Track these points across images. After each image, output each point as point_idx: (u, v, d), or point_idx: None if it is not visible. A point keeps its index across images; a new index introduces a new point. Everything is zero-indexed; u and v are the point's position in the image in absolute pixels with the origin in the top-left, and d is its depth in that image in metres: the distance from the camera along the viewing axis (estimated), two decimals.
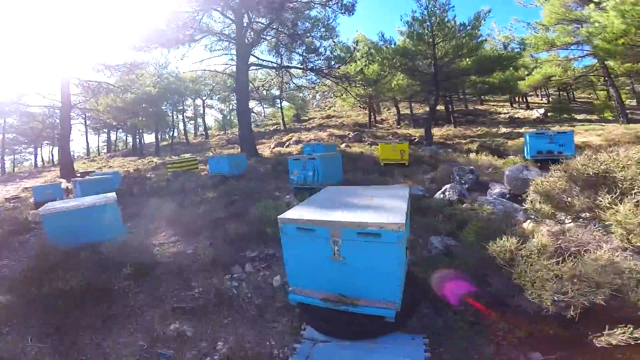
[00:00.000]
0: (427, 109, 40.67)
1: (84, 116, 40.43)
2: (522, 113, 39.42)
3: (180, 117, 41.43)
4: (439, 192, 7.14)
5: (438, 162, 11.77)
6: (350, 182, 8.25)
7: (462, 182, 7.51)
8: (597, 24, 14.29)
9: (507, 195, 6.76)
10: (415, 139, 24.46)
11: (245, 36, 18.32)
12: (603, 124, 27.05)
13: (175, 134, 44.87)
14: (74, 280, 3.29)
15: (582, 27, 22.85)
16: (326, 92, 53.45)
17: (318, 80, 22.07)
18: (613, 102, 33.47)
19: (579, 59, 26.31)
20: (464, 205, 6.16)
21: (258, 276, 4.13)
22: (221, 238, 5.27)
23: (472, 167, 7.85)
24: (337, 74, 19.67)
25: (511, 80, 19.17)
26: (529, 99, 44.23)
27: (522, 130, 26.47)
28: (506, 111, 40.40)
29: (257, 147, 18.83)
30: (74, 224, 4.50)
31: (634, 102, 38.60)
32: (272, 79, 25.62)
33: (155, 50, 18.65)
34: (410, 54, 17.13)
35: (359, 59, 18.44)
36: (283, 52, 20.89)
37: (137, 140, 38.15)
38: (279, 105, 37.43)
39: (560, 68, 30.10)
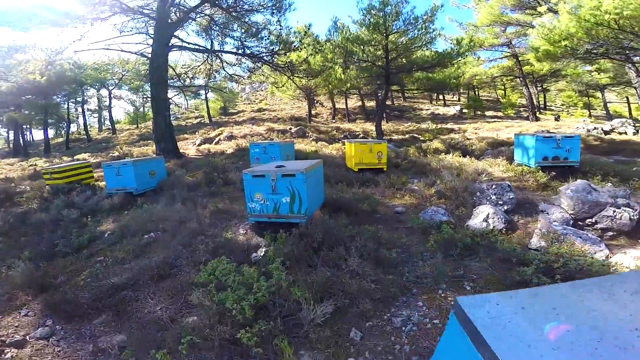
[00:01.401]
0: (360, 103, 40.00)
1: None
2: (441, 110, 41.04)
3: (80, 109, 33.47)
4: (476, 218, 4.89)
5: (415, 166, 9.71)
6: (343, 209, 5.51)
7: (500, 202, 5.34)
8: (543, 27, 13.78)
9: (571, 222, 4.75)
10: (359, 134, 22.69)
11: (168, 14, 14.11)
12: (518, 121, 28.81)
13: (75, 129, 36.43)
14: None
15: (505, 30, 23.46)
16: (256, 85, 49.18)
17: (255, 69, 18.54)
18: (523, 101, 36.28)
19: (499, 59, 27.17)
20: (536, 243, 3.98)
21: None
22: None
23: (508, 183, 5.76)
24: (279, 62, 16.73)
25: (452, 77, 18.22)
26: (446, 96, 46.37)
27: (448, 125, 26.93)
28: (427, 108, 41.64)
29: (178, 143, 14.78)
30: None
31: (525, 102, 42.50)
32: (199, 66, 21.17)
33: (46, 30, 13.58)
34: (364, 43, 15.09)
35: (305, 47, 15.64)
36: (215, 35, 17.03)
37: (21, 137, 29.60)
38: (204, 97, 32.38)
39: (481, 68, 31.24)
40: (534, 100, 30.53)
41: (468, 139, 14.82)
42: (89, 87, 32.34)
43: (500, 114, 35.54)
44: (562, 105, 43.12)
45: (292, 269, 3.58)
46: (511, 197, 5.64)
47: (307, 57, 16.93)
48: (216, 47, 17.37)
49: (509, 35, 23.48)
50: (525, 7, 19.35)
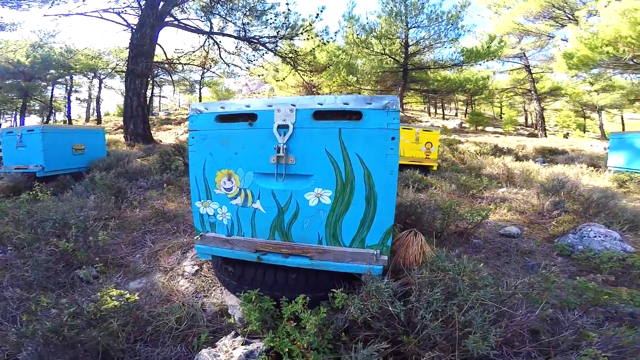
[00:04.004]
0: None
1: None
2: (440, 122, 38.65)
3: (65, 95, 29.83)
4: None
5: (469, 168, 6.74)
6: (415, 225, 2.50)
7: None
8: (586, 31, 11.29)
9: None
10: None
11: None
12: (522, 137, 26.43)
13: (61, 117, 32.66)
14: None
15: (521, 41, 21.06)
16: (254, 86, 46.06)
17: (256, 58, 15.49)
18: (520, 119, 34.10)
19: (511, 71, 24.88)
20: None
21: None
22: None
23: None
24: (284, 51, 13.88)
25: (474, 80, 15.53)
26: (445, 110, 44.20)
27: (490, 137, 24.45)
28: (427, 119, 39.24)
29: (160, 133, 11.63)
30: None
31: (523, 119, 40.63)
32: (194, 52, 18.00)
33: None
34: (381, 35, 12.48)
35: (312, 37, 12.84)
36: (216, 15, 14.00)
37: None
38: (198, 92, 29.07)
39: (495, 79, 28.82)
40: (534, 119, 28.37)
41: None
42: (77, 74, 28.78)
43: (500, 130, 33.35)
44: (556, 125, 41.29)
45: None
46: None
47: (313, 49, 14.17)
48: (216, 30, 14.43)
49: (524, 47, 21.05)
50: (550, 17, 16.88)
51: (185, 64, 18.89)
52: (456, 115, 45.57)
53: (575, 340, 1.11)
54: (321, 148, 1.34)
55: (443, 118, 41.30)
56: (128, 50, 11.74)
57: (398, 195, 3.51)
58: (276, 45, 14.07)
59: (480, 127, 33.72)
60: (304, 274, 1.51)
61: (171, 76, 21.96)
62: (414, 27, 12.98)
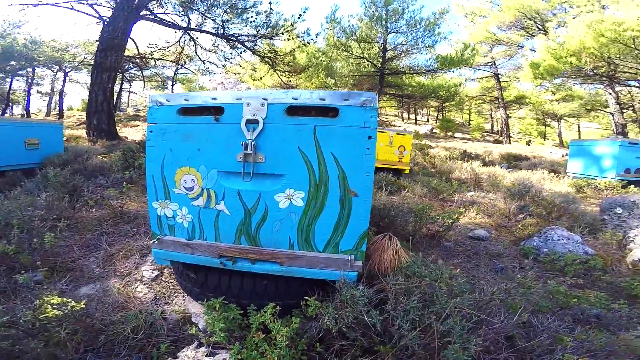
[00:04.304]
0: None
1: None
2: (412, 128, 39.63)
3: (25, 88, 27.74)
4: None
5: (439, 172, 6.86)
6: (388, 228, 2.46)
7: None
8: (552, 41, 12.07)
9: None
10: None
11: None
12: (487, 143, 27.66)
13: (18, 111, 30.31)
14: None
15: (491, 49, 22.01)
16: (230, 85, 45.05)
17: (233, 56, 15.09)
18: (487, 126, 35.68)
19: (480, 79, 25.93)
20: None
21: None
22: None
23: None
24: (263, 50, 13.69)
25: (446, 87, 16.07)
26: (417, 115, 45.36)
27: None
28: (400, 124, 40.11)
29: (127, 130, 11.03)
30: None
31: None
32: (168, 47, 17.24)
33: None
34: (361, 38, 12.67)
35: (293, 38, 12.71)
36: (197, 9, 13.45)
37: None
38: (170, 88, 28.00)
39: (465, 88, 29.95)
40: (499, 126, 29.81)
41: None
42: (40, 66, 26.87)
43: (467, 136, 34.70)
44: (519, 132, 43.54)
45: None
46: None
47: (293, 49, 14.07)
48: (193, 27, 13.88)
49: (495, 55, 22.06)
50: (521, 27, 17.79)
51: (158, 59, 18.08)
52: (428, 121, 46.93)
53: (549, 345, 1.08)
54: (294, 146, 1.24)
55: (415, 123, 42.38)
56: (97, 43, 11.03)
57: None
58: (255, 44, 13.82)
59: (450, 133, 34.99)
60: (273, 281, 1.40)
61: (142, 71, 20.99)
62: (393, 32, 13.25)
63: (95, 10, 12.29)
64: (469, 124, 41.28)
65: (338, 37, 13.50)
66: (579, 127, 36.58)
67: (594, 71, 12.74)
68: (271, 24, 13.31)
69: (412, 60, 14.44)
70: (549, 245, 2.72)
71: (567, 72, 13.39)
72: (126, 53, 14.22)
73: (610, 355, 1.06)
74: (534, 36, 18.01)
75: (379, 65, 13.79)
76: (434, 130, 36.81)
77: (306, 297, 1.28)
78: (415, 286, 1.10)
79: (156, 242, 1.45)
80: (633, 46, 10.21)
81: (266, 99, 1.28)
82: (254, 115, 1.26)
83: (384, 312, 1.06)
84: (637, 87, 14.72)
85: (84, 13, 12.36)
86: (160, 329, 1.50)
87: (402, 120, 43.87)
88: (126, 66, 22.15)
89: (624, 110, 15.94)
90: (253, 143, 1.23)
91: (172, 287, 1.94)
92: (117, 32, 10.44)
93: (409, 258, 1.42)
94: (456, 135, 35.94)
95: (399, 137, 5.69)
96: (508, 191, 4.39)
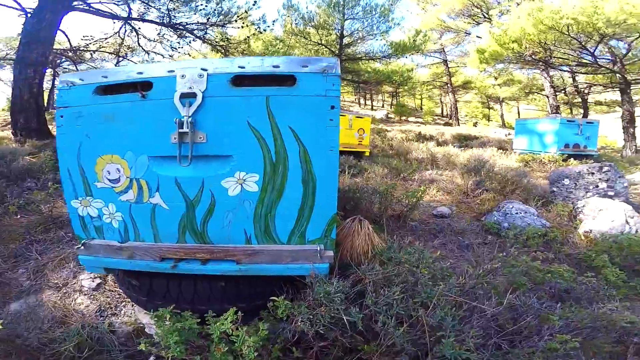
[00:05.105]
0: None
1: None
2: (369, 113, 40.34)
3: None
4: (598, 219, 2.11)
5: (398, 153, 6.92)
6: (356, 211, 2.33)
7: (611, 192, 2.78)
8: (499, 28, 12.73)
9: None
10: None
11: None
12: (439, 126, 29.01)
13: None
14: None
15: (441, 37, 22.77)
16: None
17: (181, 46, 13.94)
18: (438, 110, 37.28)
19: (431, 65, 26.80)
20: None
21: None
22: None
23: (611, 163, 3.22)
24: (214, 39, 12.82)
25: (399, 73, 16.41)
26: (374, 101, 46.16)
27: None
28: (357, 110, 40.61)
29: (53, 126, 9.78)
30: None
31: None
32: (106, 39, 15.48)
33: None
34: (318, 25, 12.43)
35: (247, 26, 12.02)
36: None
37: None
38: None
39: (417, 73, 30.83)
40: (448, 110, 31.33)
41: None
42: None
43: (420, 120, 36.11)
44: (466, 115, 46.16)
45: None
46: (625, 184, 3.08)
47: (248, 37, 13.35)
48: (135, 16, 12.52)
49: (444, 42, 22.89)
50: (469, 15, 18.54)
51: (94, 52, 16.21)
52: (383, 106, 48.00)
53: (537, 325, 0.99)
54: (242, 121, 1.01)
55: (372, 109, 43.20)
56: (20, 36, 9.53)
57: None
58: (206, 33, 12.90)
59: (404, 118, 36.16)
60: (233, 282, 1.18)
61: (76, 66, 18.79)
62: (349, 18, 13.20)
63: (16, 1, 10.60)
64: (422, 109, 42.90)
65: (296, 23, 13.09)
66: (518, 109, 39.53)
67: (533, 57, 13.61)
68: (223, 12, 12.47)
69: (368, 46, 14.48)
70: (508, 219, 2.76)
71: (509, 58, 14.19)
72: (56, 46, 12.56)
73: (594, 331, 1.00)
74: (479, 24, 18.88)
75: (337, 52, 13.62)
76: (389, 115, 37.79)
77: (273, 298, 1.08)
78: (395, 274, 0.95)
79: (82, 247, 1.16)
80: (567, 33, 10.99)
81: (206, 69, 1.03)
82: (190, 88, 1.01)
83: (363, 308, 0.90)
84: (568, 71, 16.01)
85: (4, 5, 10.61)
86: (110, 344, 1.25)
87: (360, 106, 44.44)
88: (58, 61, 19.76)
89: (557, 93, 17.36)
90: (190, 120, 0.98)
91: (118, 296, 1.65)
92: (42, 23, 9.08)
93: (383, 242, 1.27)
94: (410, 119, 37.30)
95: (358, 120, 5.61)
96: (464, 167, 4.50)
